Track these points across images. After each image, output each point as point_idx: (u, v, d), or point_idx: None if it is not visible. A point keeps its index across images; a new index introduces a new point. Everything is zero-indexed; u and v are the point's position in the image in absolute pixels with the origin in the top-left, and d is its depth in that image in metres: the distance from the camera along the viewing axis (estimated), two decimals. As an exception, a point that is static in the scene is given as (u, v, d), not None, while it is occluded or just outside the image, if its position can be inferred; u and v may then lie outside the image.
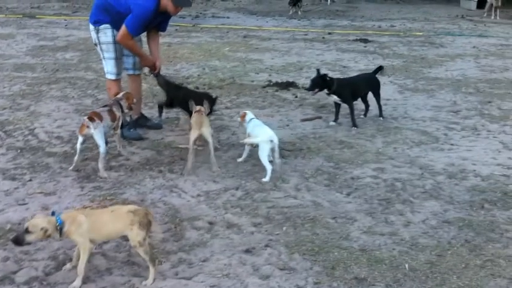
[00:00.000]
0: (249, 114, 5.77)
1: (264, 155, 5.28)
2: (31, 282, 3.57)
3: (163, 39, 12.77)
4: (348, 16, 19.36)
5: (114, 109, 5.57)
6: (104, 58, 6.15)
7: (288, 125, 6.96)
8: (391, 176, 5.47)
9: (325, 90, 6.89)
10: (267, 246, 4.12)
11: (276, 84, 8.86)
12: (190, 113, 5.84)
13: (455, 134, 6.83)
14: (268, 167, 5.26)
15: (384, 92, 8.72)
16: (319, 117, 7.35)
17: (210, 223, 4.42)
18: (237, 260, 3.92)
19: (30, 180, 5.09)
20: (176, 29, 14.26)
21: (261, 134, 5.39)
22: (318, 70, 7.10)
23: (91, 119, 5.21)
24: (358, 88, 7.26)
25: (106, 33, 5.99)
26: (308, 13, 19.31)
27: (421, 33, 15.32)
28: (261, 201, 4.84)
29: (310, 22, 17.46)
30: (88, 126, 5.17)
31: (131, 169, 5.41)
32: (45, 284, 3.56)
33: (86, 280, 3.59)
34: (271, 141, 5.28)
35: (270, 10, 20.17)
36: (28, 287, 3.52)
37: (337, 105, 7.08)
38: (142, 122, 6.60)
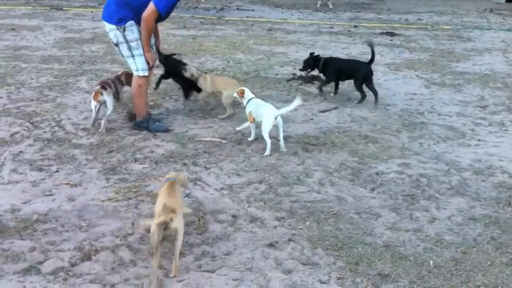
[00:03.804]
0: (248, 93, 6.13)
1: (266, 131, 5.70)
2: (57, 273, 3.62)
3: (188, 31, 12.86)
4: (374, 9, 19.17)
5: (117, 82, 6.58)
6: (134, 56, 6.00)
7: (312, 119, 6.93)
8: (417, 171, 5.42)
9: (317, 70, 7.96)
10: (290, 240, 4.12)
11: (301, 77, 8.81)
12: (184, 87, 7.09)
13: (483, 130, 6.74)
14: (268, 142, 5.69)
15: (410, 86, 8.68)
16: (336, 108, 7.38)
17: (234, 216, 4.43)
18: (260, 254, 3.92)
19: (57, 171, 5.16)
20: (201, 22, 14.26)
21: (266, 112, 5.78)
22: (311, 53, 8.08)
23: (104, 87, 6.16)
24: (343, 69, 7.82)
25: (133, 30, 5.89)
26: (334, 6, 19.17)
27: (448, 27, 15.10)
28: (284, 195, 4.84)
29: (336, 15, 17.33)
30: (102, 94, 6.08)
31: (156, 161, 5.44)
32: (71, 274, 3.61)
33: (110, 271, 3.64)
34: (275, 118, 5.72)
35: (295, 3, 20.05)
36: (54, 277, 3.57)
37: (335, 83, 8.00)
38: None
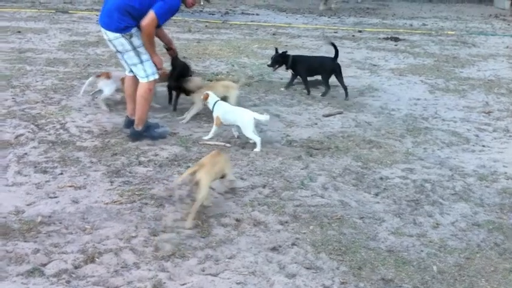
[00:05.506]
0: (213, 96, 6.19)
1: (250, 132, 5.89)
2: (60, 275, 3.62)
3: (193, 35, 12.89)
4: (378, 14, 19.20)
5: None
6: (142, 61, 5.95)
7: (316, 124, 6.94)
8: (421, 176, 5.42)
9: (284, 66, 8.22)
10: (293, 244, 4.11)
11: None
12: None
13: (487, 136, 6.73)
14: (257, 139, 5.88)
15: (414, 91, 8.68)
16: (340, 112, 7.37)
17: (237, 220, 4.43)
18: (263, 258, 3.92)
19: (61, 173, 5.16)
20: (206, 26, 14.30)
21: (243, 115, 5.95)
22: (276, 49, 8.36)
23: (98, 76, 6.98)
24: (311, 66, 8.22)
25: (138, 36, 5.85)
26: (338, 11, 19.20)
27: (453, 32, 15.11)
28: (288, 199, 4.84)
29: (340, 20, 17.36)
30: (97, 83, 6.85)
31: (160, 165, 5.45)
32: (75, 276, 3.61)
33: (113, 274, 3.64)
34: (254, 119, 5.89)
35: (300, 7, 20.11)
36: (57, 280, 3.57)
37: (293, 76, 8.43)
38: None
